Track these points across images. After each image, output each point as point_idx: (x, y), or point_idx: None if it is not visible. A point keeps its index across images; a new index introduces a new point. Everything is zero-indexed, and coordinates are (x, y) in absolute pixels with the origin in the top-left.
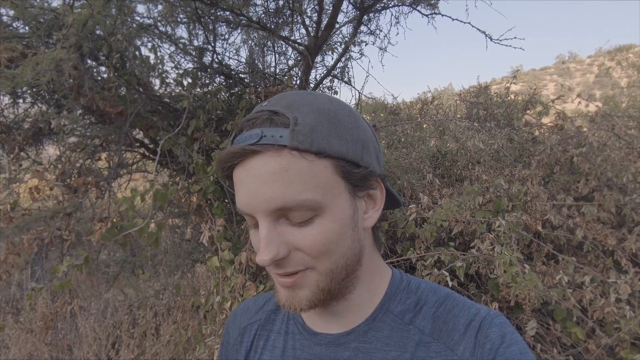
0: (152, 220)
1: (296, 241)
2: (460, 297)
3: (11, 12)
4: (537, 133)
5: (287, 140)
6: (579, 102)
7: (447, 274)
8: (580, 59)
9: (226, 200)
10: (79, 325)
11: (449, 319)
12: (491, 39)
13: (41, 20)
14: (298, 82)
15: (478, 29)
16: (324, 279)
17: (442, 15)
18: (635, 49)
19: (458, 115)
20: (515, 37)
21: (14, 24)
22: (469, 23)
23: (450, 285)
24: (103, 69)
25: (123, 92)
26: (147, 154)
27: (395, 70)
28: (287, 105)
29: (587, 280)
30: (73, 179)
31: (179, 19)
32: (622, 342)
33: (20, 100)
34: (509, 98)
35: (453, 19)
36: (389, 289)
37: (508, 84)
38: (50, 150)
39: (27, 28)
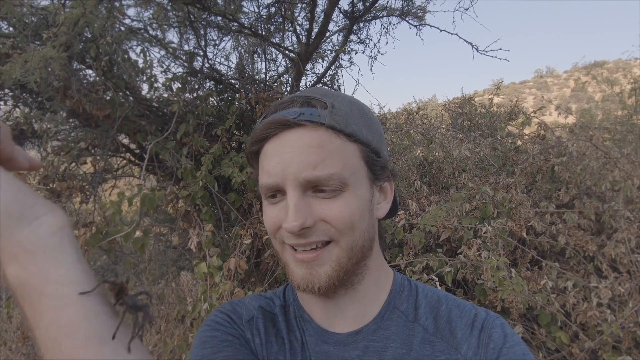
0: (138, 228)
1: (324, 212)
2: (457, 299)
3: None
4: (519, 142)
5: (325, 119)
6: (559, 114)
7: (436, 278)
8: (557, 73)
9: (213, 208)
10: None
11: (451, 319)
12: (477, 50)
13: (27, 21)
14: (289, 88)
15: (465, 40)
16: (345, 255)
17: (431, 26)
18: (608, 65)
19: (443, 126)
20: (500, 49)
21: None
22: (457, 34)
23: None
24: (90, 72)
25: (110, 96)
26: (133, 159)
27: (382, 80)
28: (322, 94)
29: (569, 285)
30: (56, 183)
31: (170, 23)
32: (605, 345)
33: (2, 103)
34: (492, 109)
35: (441, 30)
36: (393, 287)
37: (491, 96)
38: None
39: (11, 29)
